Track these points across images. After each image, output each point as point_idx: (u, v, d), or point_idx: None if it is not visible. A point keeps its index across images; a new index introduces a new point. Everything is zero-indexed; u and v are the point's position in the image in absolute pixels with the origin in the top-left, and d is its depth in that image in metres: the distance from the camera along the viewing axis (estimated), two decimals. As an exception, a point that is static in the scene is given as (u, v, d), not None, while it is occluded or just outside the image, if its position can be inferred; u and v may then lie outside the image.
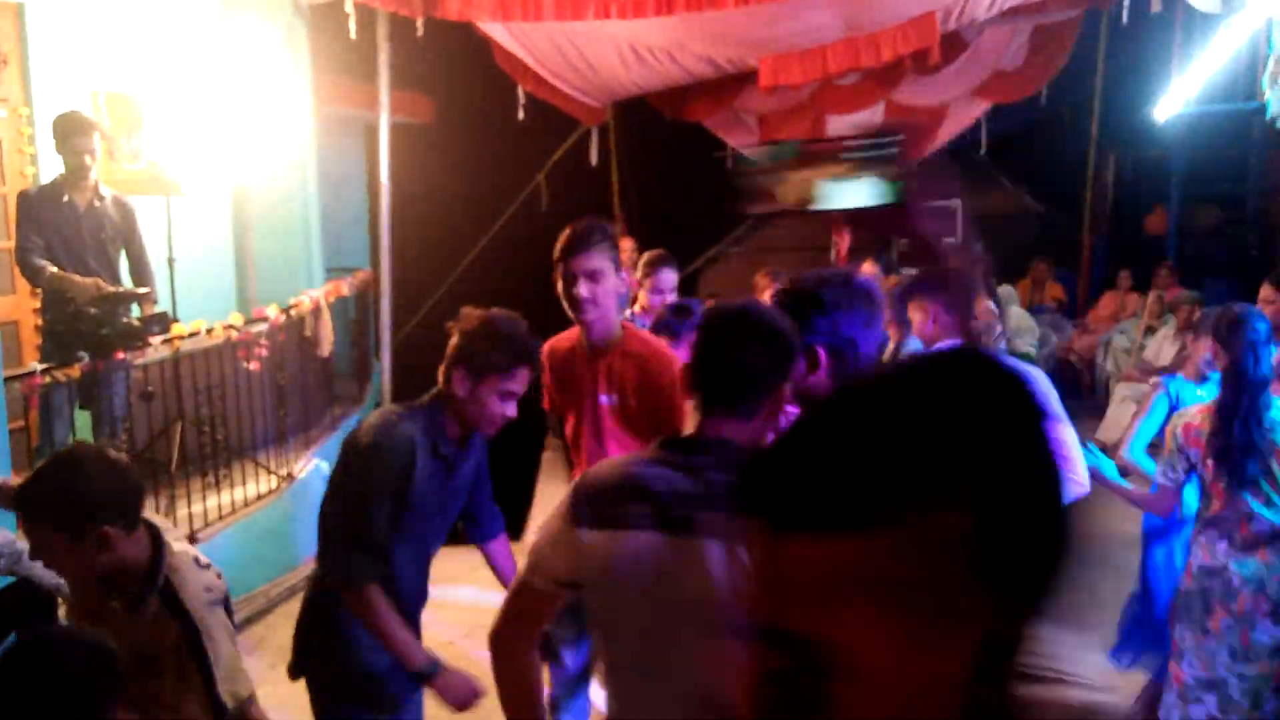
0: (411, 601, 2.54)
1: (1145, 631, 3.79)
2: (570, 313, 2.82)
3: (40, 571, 2.86)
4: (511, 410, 2.44)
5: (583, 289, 2.70)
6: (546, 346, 2.89)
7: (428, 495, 2.42)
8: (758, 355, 1.72)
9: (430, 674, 2.37)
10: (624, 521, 1.65)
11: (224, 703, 2.10)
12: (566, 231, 2.76)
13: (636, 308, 4.66)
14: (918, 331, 3.51)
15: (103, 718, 1.75)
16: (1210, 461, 3.12)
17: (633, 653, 1.70)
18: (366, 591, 2.33)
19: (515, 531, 5.64)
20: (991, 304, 5.18)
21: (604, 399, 2.81)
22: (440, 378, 2.48)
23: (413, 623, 2.53)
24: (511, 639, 1.81)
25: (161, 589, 2.12)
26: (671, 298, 4.57)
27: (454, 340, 2.45)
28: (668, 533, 1.64)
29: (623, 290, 2.89)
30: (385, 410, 2.50)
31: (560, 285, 2.78)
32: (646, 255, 4.74)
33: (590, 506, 1.68)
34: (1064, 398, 3.31)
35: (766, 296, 5.77)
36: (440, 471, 2.44)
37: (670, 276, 4.62)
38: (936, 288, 3.42)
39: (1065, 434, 3.11)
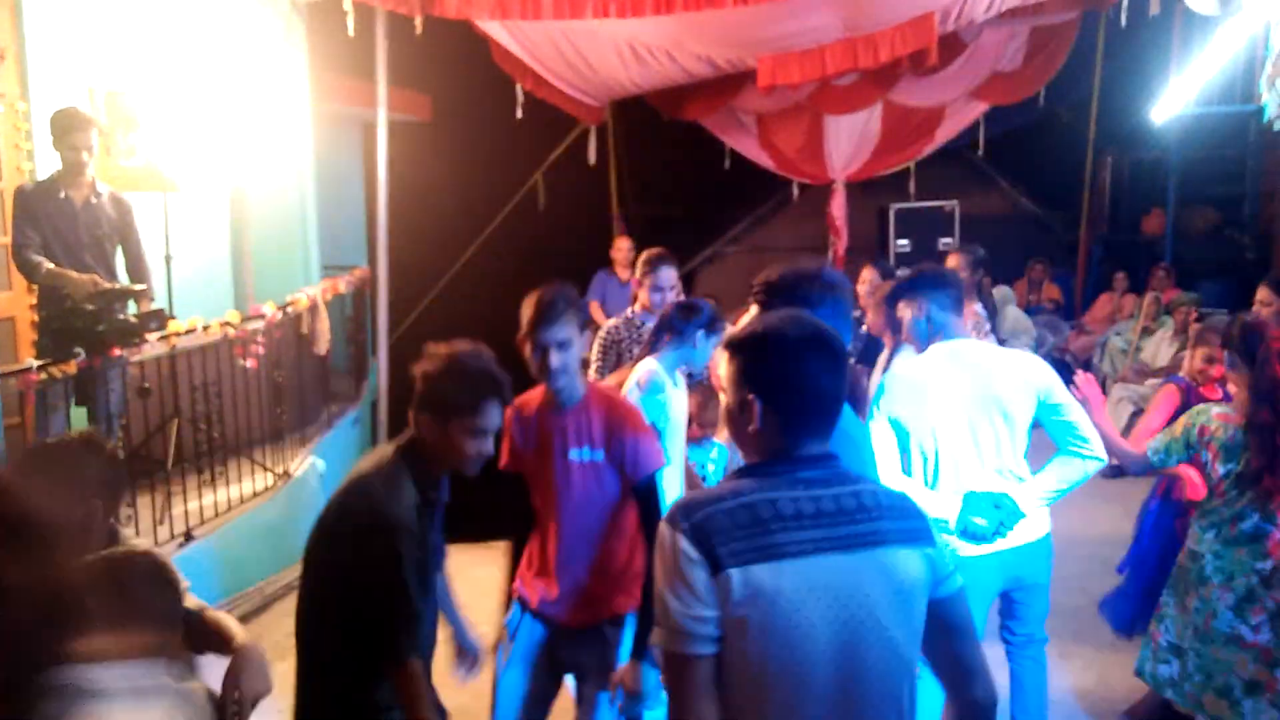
0: (430, 643, 2.56)
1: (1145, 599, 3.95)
2: (539, 378, 2.87)
3: None
4: (487, 447, 2.40)
5: (554, 360, 2.76)
6: (512, 408, 2.91)
7: (425, 542, 2.42)
8: (841, 379, 1.73)
9: None
10: (790, 550, 1.58)
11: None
12: (533, 302, 2.80)
13: (637, 306, 4.65)
14: (907, 331, 3.35)
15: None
16: (1220, 468, 3.23)
17: (796, 689, 1.59)
18: (412, 666, 2.32)
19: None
20: (979, 307, 5.16)
21: (574, 455, 2.83)
22: (410, 421, 2.44)
23: (428, 661, 2.54)
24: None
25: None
26: (672, 295, 4.56)
27: (418, 382, 2.40)
28: (847, 550, 1.61)
29: (583, 342, 2.93)
30: (375, 478, 2.41)
31: (529, 352, 2.82)
32: (645, 253, 4.73)
33: (727, 544, 1.58)
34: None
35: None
36: (430, 514, 2.45)
37: (670, 274, 4.61)
38: (933, 285, 3.29)
39: (1080, 413, 3.16)
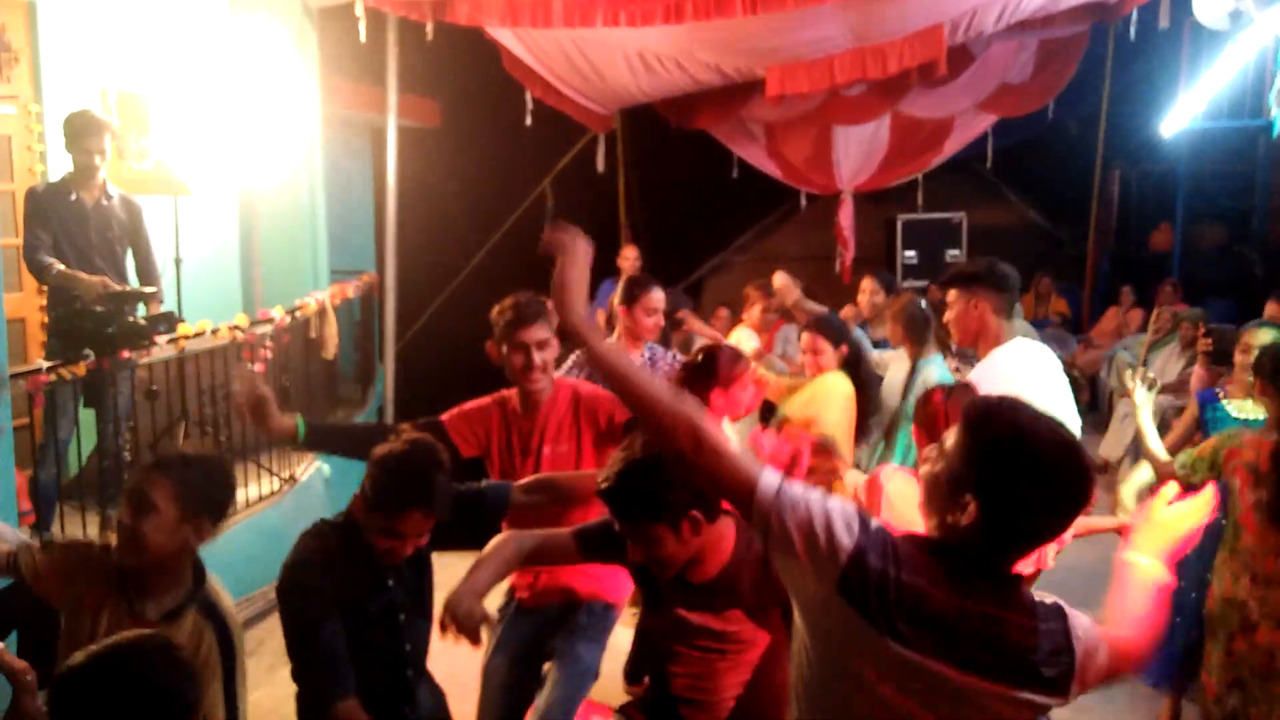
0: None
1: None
2: (516, 379, 2.97)
3: None
4: (403, 549, 2.40)
5: (535, 357, 2.90)
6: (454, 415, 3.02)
7: (363, 605, 2.44)
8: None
9: None
10: None
11: (240, 709, 2.14)
12: (510, 305, 2.95)
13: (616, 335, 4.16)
14: (980, 325, 3.20)
15: None
16: (1250, 495, 3.12)
17: None
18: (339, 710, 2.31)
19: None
20: None
21: (548, 449, 2.95)
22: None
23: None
24: None
25: (201, 600, 2.24)
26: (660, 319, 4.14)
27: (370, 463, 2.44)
28: None
29: None
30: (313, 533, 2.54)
31: (506, 353, 2.94)
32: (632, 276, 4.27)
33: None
34: (1066, 412, 3.32)
35: (757, 311, 5.74)
36: (375, 584, 2.47)
37: (660, 296, 4.12)
38: (1000, 282, 3.20)
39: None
